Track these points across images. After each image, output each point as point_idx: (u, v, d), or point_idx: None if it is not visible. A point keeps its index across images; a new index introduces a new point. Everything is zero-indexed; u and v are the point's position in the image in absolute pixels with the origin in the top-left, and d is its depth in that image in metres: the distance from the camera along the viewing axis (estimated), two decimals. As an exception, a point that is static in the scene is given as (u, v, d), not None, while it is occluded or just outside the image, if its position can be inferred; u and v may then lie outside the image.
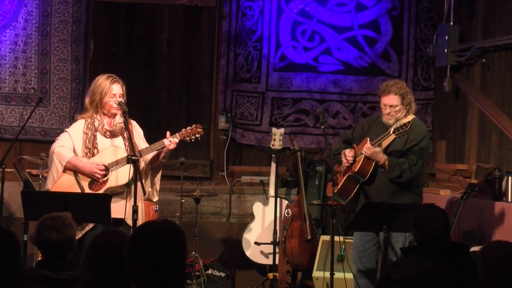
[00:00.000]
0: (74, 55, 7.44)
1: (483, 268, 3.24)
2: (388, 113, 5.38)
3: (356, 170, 5.36)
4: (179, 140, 5.19)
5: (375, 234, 5.45)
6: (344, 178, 5.44)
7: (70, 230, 3.51)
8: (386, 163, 5.27)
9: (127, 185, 5.05)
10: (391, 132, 5.20)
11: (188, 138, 5.23)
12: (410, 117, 5.38)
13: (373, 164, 5.34)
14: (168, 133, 5.19)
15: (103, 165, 5.10)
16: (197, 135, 5.24)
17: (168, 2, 7.68)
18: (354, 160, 5.44)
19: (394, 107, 5.35)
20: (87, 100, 5.25)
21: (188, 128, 5.26)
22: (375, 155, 5.27)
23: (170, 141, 5.12)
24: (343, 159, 5.47)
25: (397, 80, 5.65)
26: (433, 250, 3.55)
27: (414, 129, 5.31)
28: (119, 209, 5.05)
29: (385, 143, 5.34)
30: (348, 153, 5.45)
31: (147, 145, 5.28)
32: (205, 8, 7.72)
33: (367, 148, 5.26)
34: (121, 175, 5.07)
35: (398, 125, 5.18)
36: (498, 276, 3.20)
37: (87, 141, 5.15)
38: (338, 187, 5.42)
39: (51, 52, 7.39)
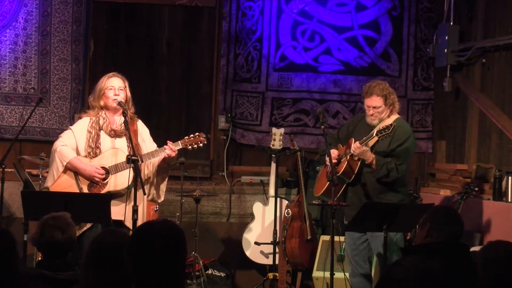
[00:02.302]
0: (74, 55, 7.44)
1: (483, 268, 3.24)
2: (372, 114, 5.45)
3: (341, 171, 5.38)
4: (180, 147, 5.20)
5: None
6: None
7: (72, 229, 3.53)
8: (374, 162, 5.31)
9: (127, 188, 5.05)
10: (374, 135, 5.24)
11: (190, 147, 5.24)
12: (394, 116, 5.44)
13: (358, 164, 5.38)
14: (169, 142, 5.18)
15: (103, 168, 5.10)
16: (199, 144, 5.25)
17: (168, 2, 7.68)
18: (340, 161, 5.46)
19: (377, 108, 5.41)
20: (91, 99, 5.29)
21: (191, 136, 5.26)
22: (364, 154, 5.31)
23: (172, 148, 5.13)
24: (327, 160, 5.49)
25: (379, 81, 5.71)
26: (434, 250, 3.55)
27: (398, 130, 5.36)
28: (118, 211, 5.05)
29: (370, 143, 5.38)
30: (333, 154, 5.46)
31: (154, 144, 5.30)
32: (205, 8, 7.72)
33: (356, 147, 5.29)
34: (121, 179, 5.07)
35: (380, 127, 5.24)
36: (498, 276, 3.20)
37: (90, 140, 5.16)
38: (325, 188, 5.49)
39: (51, 52, 7.39)
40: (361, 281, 5.56)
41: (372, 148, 5.39)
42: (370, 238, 5.45)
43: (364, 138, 5.33)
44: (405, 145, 5.41)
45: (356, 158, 5.40)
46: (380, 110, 5.41)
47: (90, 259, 3.02)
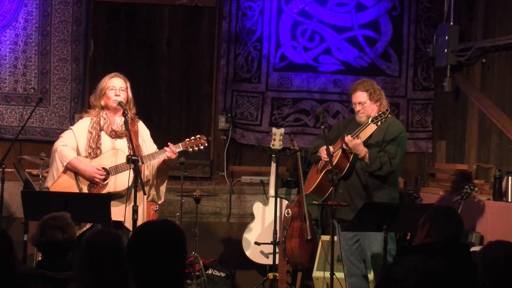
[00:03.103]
0: (74, 55, 7.44)
1: (483, 268, 3.24)
2: (359, 111, 5.52)
3: (333, 164, 5.38)
4: (181, 150, 5.21)
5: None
6: (322, 175, 5.49)
7: (72, 229, 3.53)
8: (367, 155, 5.32)
9: (127, 189, 5.05)
10: (369, 122, 5.28)
11: (191, 149, 5.25)
12: None
13: (350, 159, 5.39)
14: (170, 144, 5.19)
15: (103, 168, 5.10)
16: (200, 146, 5.26)
17: (168, 2, 7.68)
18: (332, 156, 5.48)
19: (363, 104, 5.50)
20: (92, 98, 5.30)
21: (192, 138, 5.27)
22: (356, 147, 5.33)
23: (172, 150, 5.13)
24: (322, 155, 5.50)
25: (365, 78, 5.87)
26: (434, 250, 3.55)
27: (391, 126, 5.47)
28: (118, 211, 5.04)
29: (364, 136, 5.41)
30: (325, 151, 5.47)
31: (154, 145, 5.30)
32: (205, 8, 7.72)
33: (348, 140, 5.32)
34: (121, 181, 5.06)
35: (376, 115, 5.31)
36: (498, 276, 3.20)
37: (91, 141, 5.16)
38: (315, 185, 5.50)
39: (51, 52, 7.39)
40: (357, 281, 5.56)
41: (366, 141, 5.41)
42: (361, 238, 5.46)
43: (356, 130, 5.39)
44: (397, 140, 5.46)
45: (349, 152, 5.42)
46: (366, 106, 5.48)
47: (83, 260, 3.02)
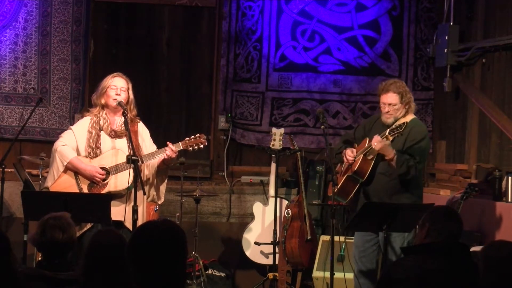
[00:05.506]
0: (74, 55, 7.44)
1: (485, 268, 3.24)
2: (387, 112, 5.39)
3: (354, 170, 5.35)
4: (181, 149, 5.22)
5: (375, 234, 5.45)
6: (344, 178, 5.43)
7: (72, 229, 3.53)
8: (395, 158, 5.24)
9: (127, 189, 5.05)
10: (386, 133, 5.19)
11: (191, 148, 5.26)
12: (410, 116, 5.39)
13: (372, 164, 5.33)
14: (169, 143, 5.19)
15: (103, 168, 5.10)
16: (200, 145, 5.26)
17: (168, 2, 7.68)
18: (354, 160, 5.43)
19: (393, 105, 5.36)
20: (94, 96, 5.31)
21: (191, 138, 5.27)
22: (385, 148, 5.21)
23: (172, 149, 5.14)
24: (344, 158, 5.47)
25: (396, 79, 5.71)
26: (434, 250, 3.55)
27: (413, 129, 5.33)
28: (118, 211, 5.05)
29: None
30: (350, 153, 5.43)
31: (154, 146, 5.30)
32: (205, 8, 7.72)
33: (378, 141, 5.20)
34: (121, 180, 5.07)
35: (394, 126, 5.20)
36: (500, 275, 3.20)
37: (91, 141, 5.16)
38: (338, 187, 5.41)
39: (51, 52, 7.39)
40: (364, 282, 5.53)
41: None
42: (381, 240, 5.38)
43: (383, 133, 5.26)
44: (420, 144, 5.34)
45: (369, 158, 5.33)
46: (396, 108, 5.35)
47: (86, 261, 3.01)
